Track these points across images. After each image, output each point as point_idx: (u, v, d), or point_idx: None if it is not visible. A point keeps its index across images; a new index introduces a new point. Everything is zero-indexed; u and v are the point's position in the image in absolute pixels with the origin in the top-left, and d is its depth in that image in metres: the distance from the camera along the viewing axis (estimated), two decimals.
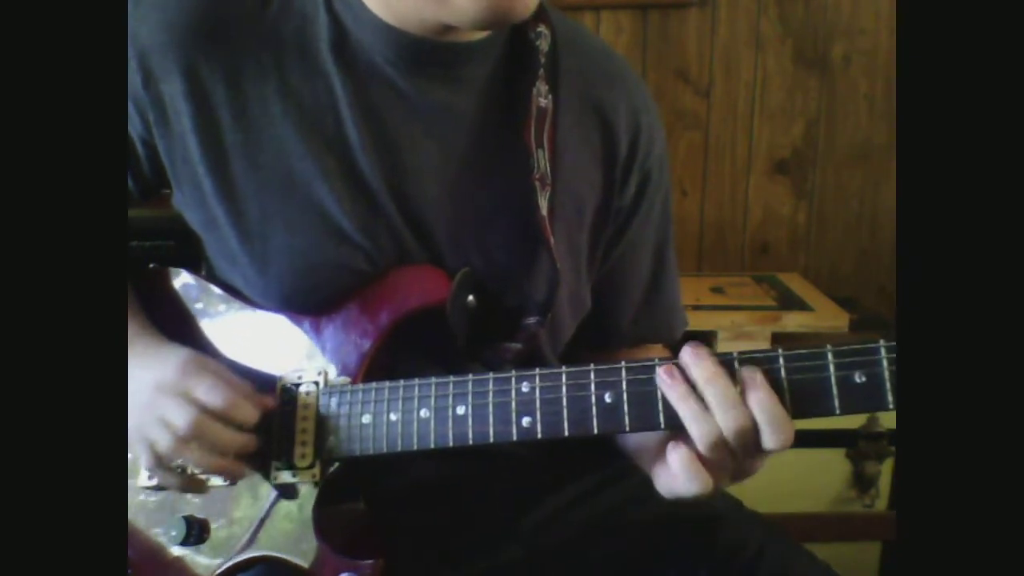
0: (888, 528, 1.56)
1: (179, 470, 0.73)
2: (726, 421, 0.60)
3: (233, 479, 0.73)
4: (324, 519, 0.72)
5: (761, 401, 0.59)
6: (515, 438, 0.66)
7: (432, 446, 0.68)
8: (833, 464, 1.55)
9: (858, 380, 0.59)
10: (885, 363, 0.58)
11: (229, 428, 0.69)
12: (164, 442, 0.70)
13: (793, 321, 1.55)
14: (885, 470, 1.55)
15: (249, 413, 0.70)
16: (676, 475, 0.62)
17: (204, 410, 0.68)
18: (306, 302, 0.74)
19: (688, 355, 0.61)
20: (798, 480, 1.53)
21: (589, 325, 0.84)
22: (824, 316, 1.56)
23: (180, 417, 0.68)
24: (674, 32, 1.80)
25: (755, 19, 1.80)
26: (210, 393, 0.69)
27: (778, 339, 1.54)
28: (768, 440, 0.59)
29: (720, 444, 0.60)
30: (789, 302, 1.62)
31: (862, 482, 1.55)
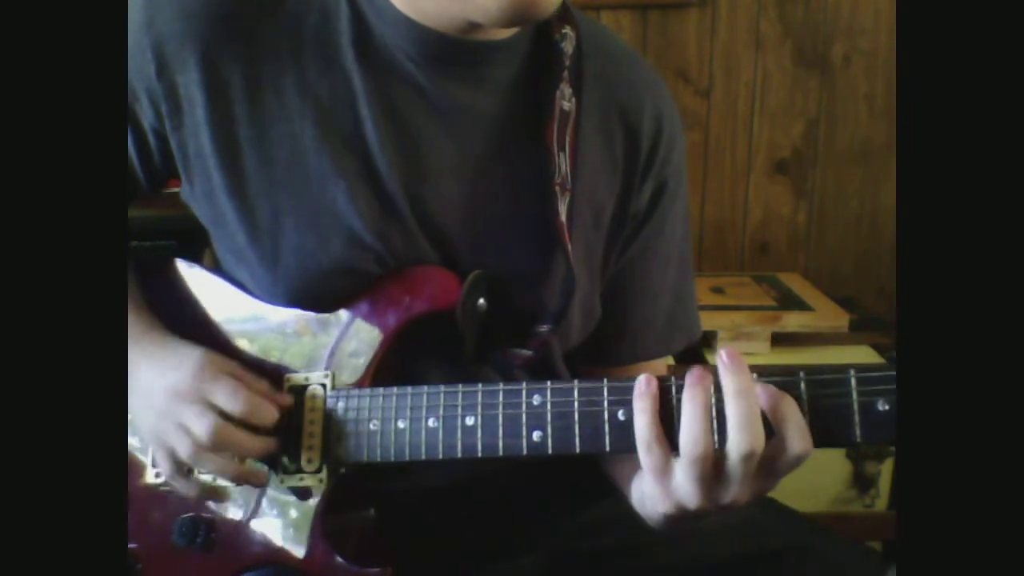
0: (888, 528, 1.56)
1: (199, 477, 0.73)
2: (742, 439, 0.57)
3: (256, 484, 0.73)
4: (332, 525, 0.72)
5: (790, 407, 0.58)
6: (525, 452, 0.65)
7: (440, 456, 0.67)
8: (833, 464, 1.55)
9: (881, 408, 0.57)
10: None
11: (249, 433, 0.69)
12: (184, 450, 0.69)
13: (793, 321, 1.55)
14: (885, 470, 1.55)
15: (268, 415, 0.69)
16: (682, 487, 0.60)
17: (224, 416, 0.68)
18: (314, 302, 0.74)
19: (727, 359, 0.59)
20: (798, 480, 1.51)
21: (589, 337, 0.82)
22: (824, 316, 1.56)
23: (200, 425, 0.68)
24: (674, 32, 1.80)
25: (755, 19, 1.80)
26: (229, 398, 0.68)
27: (778, 339, 1.54)
28: (795, 446, 0.58)
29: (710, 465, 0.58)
30: (789, 302, 1.62)
31: (862, 482, 1.55)
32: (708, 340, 1.54)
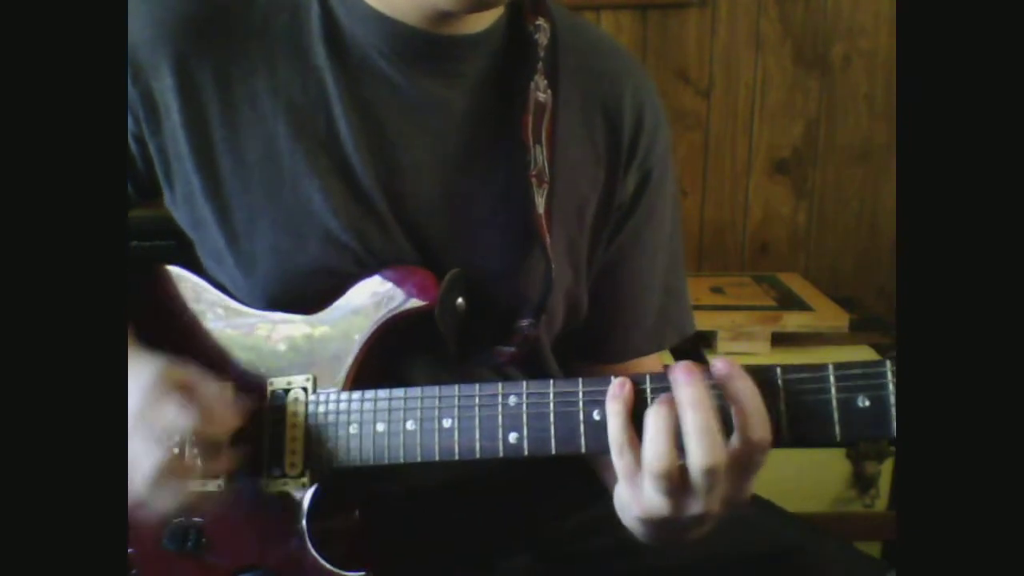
0: (888, 528, 1.56)
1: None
2: (699, 453, 0.55)
3: (202, 516, 0.70)
4: (317, 528, 0.71)
5: (745, 389, 0.56)
6: (501, 454, 0.64)
7: (419, 459, 0.66)
8: (833, 464, 1.55)
9: (861, 404, 0.56)
10: (891, 387, 0.54)
11: (198, 459, 0.65)
12: (134, 483, 0.65)
13: (793, 321, 1.55)
14: (885, 470, 1.54)
15: (224, 424, 0.66)
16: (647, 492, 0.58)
17: (172, 446, 0.64)
18: (293, 304, 0.73)
19: (680, 372, 0.57)
20: (798, 480, 1.53)
21: (578, 334, 0.82)
22: (824, 316, 1.56)
23: (146, 459, 0.64)
24: (674, 32, 1.80)
25: (755, 19, 1.80)
26: (180, 415, 0.64)
27: (778, 339, 1.54)
28: (754, 430, 0.55)
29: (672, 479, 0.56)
30: (789, 302, 1.62)
31: (862, 482, 1.55)
32: (708, 340, 1.53)
